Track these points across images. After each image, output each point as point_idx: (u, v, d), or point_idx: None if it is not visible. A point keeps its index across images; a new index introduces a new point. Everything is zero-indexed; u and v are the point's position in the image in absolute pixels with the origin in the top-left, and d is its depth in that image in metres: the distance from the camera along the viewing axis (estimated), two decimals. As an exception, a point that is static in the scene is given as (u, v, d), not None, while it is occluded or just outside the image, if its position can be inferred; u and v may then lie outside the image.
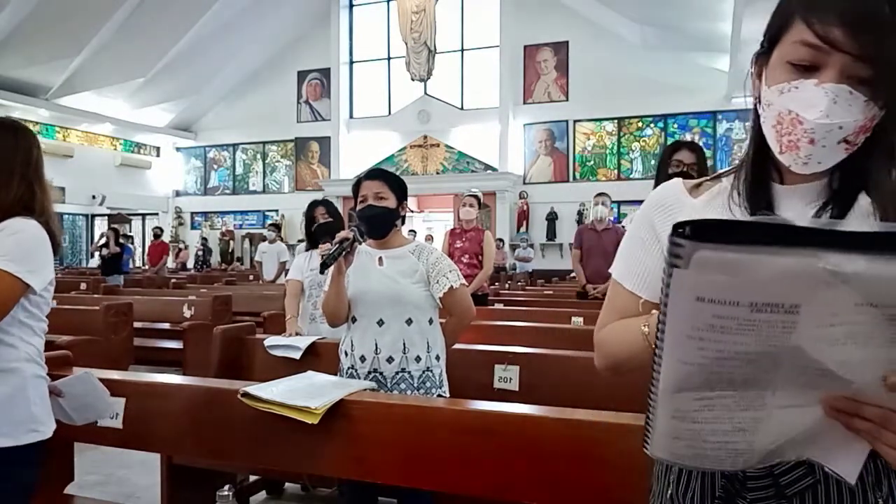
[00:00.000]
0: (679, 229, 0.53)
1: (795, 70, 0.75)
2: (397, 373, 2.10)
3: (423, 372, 2.12)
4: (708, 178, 0.94)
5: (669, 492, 0.89)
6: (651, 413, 0.65)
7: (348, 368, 2.16)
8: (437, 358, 2.18)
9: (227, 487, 1.82)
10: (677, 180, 0.94)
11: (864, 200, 0.79)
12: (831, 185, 0.81)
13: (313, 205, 3.69)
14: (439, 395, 2.15)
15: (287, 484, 3.33)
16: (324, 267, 2.00)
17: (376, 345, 2.10)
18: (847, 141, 0.74)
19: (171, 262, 14.32)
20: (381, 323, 2.11)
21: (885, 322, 0.56)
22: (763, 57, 0.81)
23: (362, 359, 2.12)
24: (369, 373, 2.11)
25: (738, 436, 0.65)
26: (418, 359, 2.12)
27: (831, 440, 0.67)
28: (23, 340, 1.55)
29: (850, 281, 0.53)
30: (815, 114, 0.73)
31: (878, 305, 0.55)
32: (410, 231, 14.10)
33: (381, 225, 2.15)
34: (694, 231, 0.52)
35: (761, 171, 0.85)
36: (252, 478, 3.16)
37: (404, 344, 2.10)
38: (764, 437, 0.66)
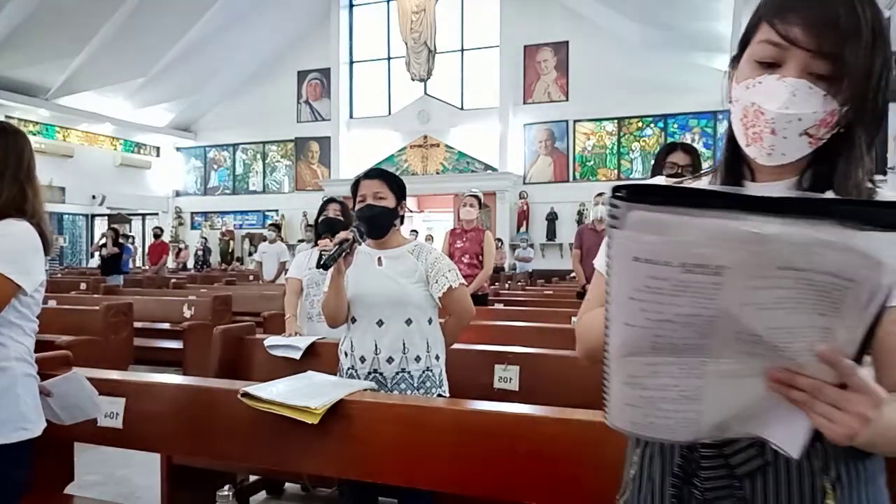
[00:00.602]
0: (617, 192, 0.57)
1: (760, 67, 0.81)
2: (397, 373, 2.10)
3: (423, 372, 2.12)
4: (689, 177, 1.00)
5: (633, 472, 0.94)
6: (606, 381, 0.68)
7: (348, 369, 2.16)
8: (437, 357, 2.18)
9: (227, 487, 1.82)
10: (660, 178, 1.00)
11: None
12: (801, 184, 0.85)
13: (329, 201, 3.60)
14: (439, 395, 2.15)
15: (287, 484, 3.33)
16: (324, 268, 2.00)
17: (376, 345, 2.10)
18: (809, 134, 0.78)
19: (170, 262, 14.31)
20: (380, 323, 2.11)
21: (807, 288, 0.59)
22: (736, 61, 0.87)
23: (362, 359, 2.12)
24: (369, 373, 2.11)
25: (686, 404, 0.68)
26: (418, 359, 2.12)
27: (775, 415, 0.69)
28: (13, 340, 1.56)
29: (769, 242, 0.56)
30: (776, 104, 0.78)
31: (797, 269, 0.58)
32: (412, 231, 14.12)
33: (380, 225, 2.15)
34: (629, 194, 0.56)
35: (735, 170, 0.89)
36: (252, 478, 3.16)
37: (404, 344, 2.10)
38: (710, 407, 0.68)
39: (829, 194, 0.81)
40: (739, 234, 0.56)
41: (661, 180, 0.97)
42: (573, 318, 4.08)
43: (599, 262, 0.99)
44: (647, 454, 0.92)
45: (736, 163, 0.89)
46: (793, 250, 0.57)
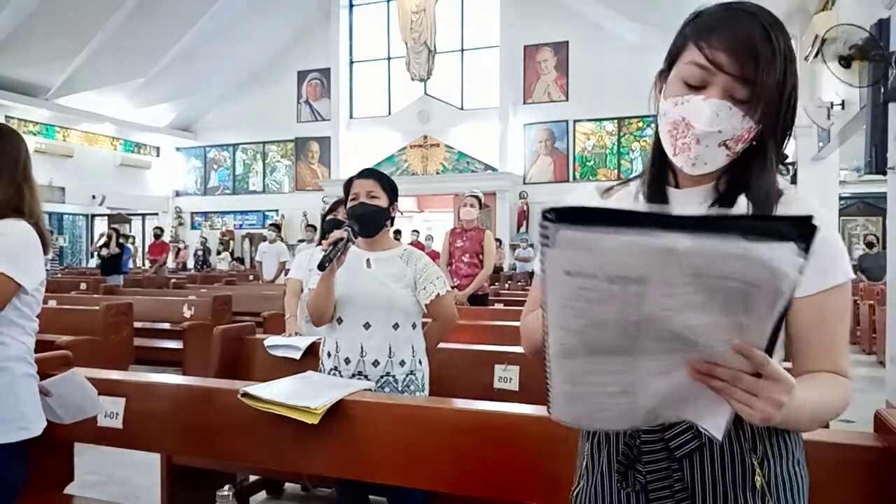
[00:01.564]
0: (547, 214, 0.63)
1: (687, 87, 0.89)
2: (382, 376, 2.09)
3: (407, 375, 2.12)
4: (618, 182, 1.10)
5: (584, 464, 1.01)
6: (549, 379, 0.75)
7: (331, 370, 2.14)
8: (420, 362, 2.18)
9: (227, 487, 1.82)
10: (591, 186, 1.07)
11: (742, 200, 0.92)
12: (718, 189, 0.94)
13: (338, 202, 3.50)
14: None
15: (287, 484, 3.33)
16: (321, 267, 2.00)
17: (362, 347, 2.10)
18: (727, 146, 0.88)
19: (170, 262, 14.29)
20: (367, 326, 2.10)
21: (718, 292, 0.66)
22: (663, 75, 0.96)
23: (347, 361, 2.11)
24: (353, 375, 2.09)
25: (622, 398, 0.76)
26: (403, 363, 2.12)
27: (698, 401, 0.77)
28: (13, 339, 1.57)
29: (682, 255, 0.63)
30: (702, 122, 0.87)
31: (709, 276, 0.65)
32: (413, 231, 14.10)
33: (372, 223, 2.15)
34: (557, 215, 0.63)
35: (659, 176, 0.98)
36: (252, 478, 3.16)
37: (390, 348, 2.10)
38: (644, 399, 0.76)
39: (741, 198, 0.91)
40: (655, 249, 0.63)
41: (588, 191, 1.06)
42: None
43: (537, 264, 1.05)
44: (595, 444, 0.99)
45: (662, 169, 0.98)
46: (703, 262, 0.64)
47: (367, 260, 2.16)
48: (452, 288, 3.98)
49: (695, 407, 0.78)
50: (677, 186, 0.97)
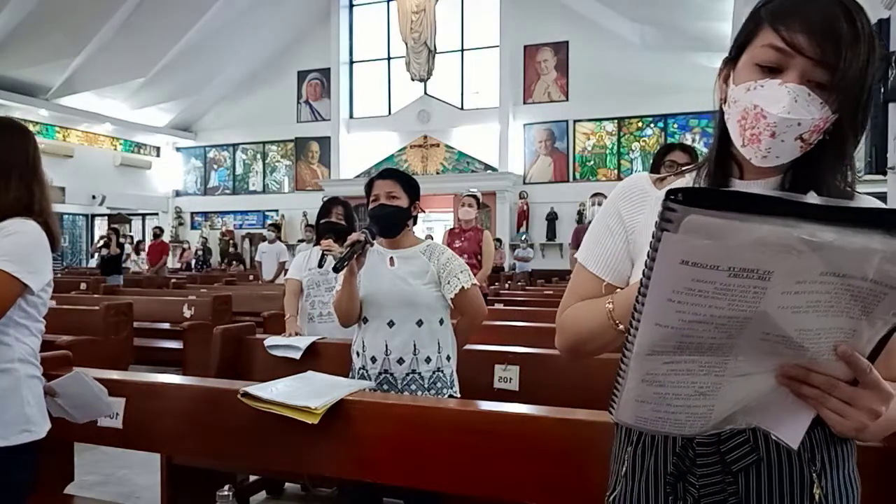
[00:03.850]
0: (671, 196, 0.56)
1: (762, 71, 0.83)
2: (408, 374, 2.10)
3: (434, 373, 2.12)
4: (672, 172, 1.02)
5: (624, 469, 0.95)
6: (621, 377, 0.69)
7: (360, 368, 2.16)
8: (448, 358, 2.17)
9: (227, 487, 1.81)
10: (644, 173, 1.01)
11: (811, 199, 0.87)
12: (784, 184, 0.88)
13: (332, 202, 3.53)
14: (451, 396, 2.15)
15: (287, 484, 3.33)
16: (336, 271, 2.01)
17: (387, 346, 2.10)
18: (802, 139, 0.81)
19: (172, 262, 14.28)
20: (391, 324, 2.11)
21: (844, 292, 0.61)
22: (731, 63, 0.89)
23: (373, 359, 2.13)
24: (380, 373, 2.11)
25: (699, 400, 0.70)
26: (428, 360, 2.12)
27: (779, 408, 0.73)
28: (18, 341, 1.55)
29: (820, 250, 0.57)
30: (778, 109, 0.80)
31: (841, 275, 0.60)
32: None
33: (393, 224, 2.15)
34: (686, 197, 0.56)
35: (723, 167, 0.91)
36: (252, 478, 3.16)
37: (415, 345, 2.10)
38: (722, 403, 0.71)
39: (812, 195, 0.83)
40: (793, 241, 0.57)
41: (641, 179, 1.00)
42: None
43: (582, 254, 1.02)
44: (640, 451, 0.93)
45: (725, 160, 0.91)
46: (844, 258, 0.58)
47: (391, 258, 2.17)
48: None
49: (773, 414, 0.73)
50: (741, 178, 0.90)
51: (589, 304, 0.96)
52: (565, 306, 1.02)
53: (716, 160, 0.92)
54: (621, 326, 0.86)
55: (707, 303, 0.61)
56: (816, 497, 0.84)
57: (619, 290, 0.93)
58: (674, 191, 0.56)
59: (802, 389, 0.70)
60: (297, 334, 3.11)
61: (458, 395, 2.19)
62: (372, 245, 2.08)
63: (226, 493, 1.83)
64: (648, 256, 0.60)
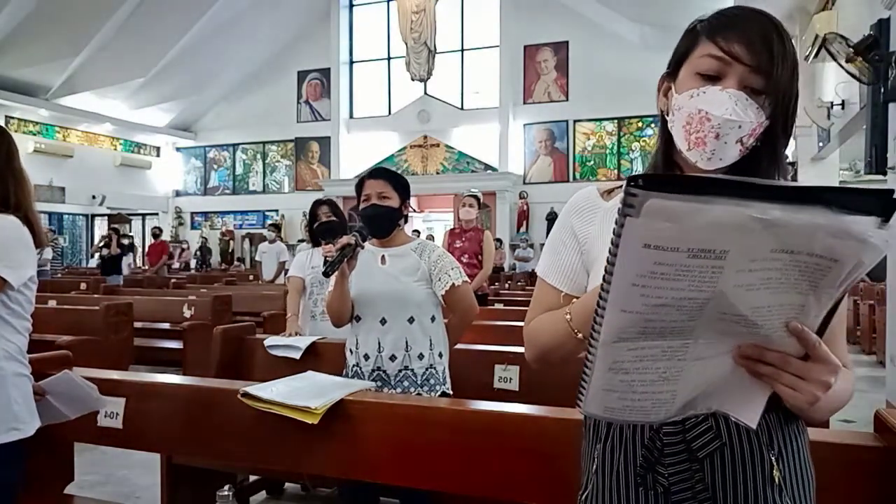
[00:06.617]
0: (632, 182, 0.59)
1: (702, 79, 0.89)
2: (400, 371, 2.11)
3: (427, 369, 2.13)
4: (619, 184, 1.06)
5: (595, 466, 0.98)
6: (588, 369, 0.71)
7: (353, 366, 2.17)
8: (440, 355, 2.18)
9: (227, 487, 1.82)
10: (592, 187, 1.06)
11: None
12: None
13: (317, 204, 3.62)
14: (443, 392, 2.16)
15: (287, 484, 3.33)
16: (326, 274, 2.01)
17: (379, 343, 2.12)
18: (742, 142, 0.87)
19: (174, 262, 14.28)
20: (383, 322, 2.12)
21: (793, 268, 0.64)
22: (669, 77, 0.95)
23: (366, 357, 2.14)
24: (373, 371, 2.12)
25: (663, 385, 0.73)
26: (421, 356, 2.13)
27: (736, 389, 0.76)
28: (3, 338, 1.54)
29: (770, 227, 0.61)
30: (722, 111, 0.86)
31: (790, 251, 0.63)
32: (414, 231, 14.08)
33: (384, 224, 2.16)
34: (646, 182, 0.59)
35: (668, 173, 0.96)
36: (252, 478, 3.16)
37: (407, 342, 2.11)
38: (684, 388, 0.74)
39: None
40: (745, 219, 0.60)
41: (589, 192, 1.05)
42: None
43: (541, 268, 1.07)
44: (609, 447, 0.96)
45: (669, 168, 0.97)
46: (792, 233, 0.62)
47: (382, 257, 2.18)
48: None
49: (731, 397, 0.77)
50: None
51: (550, 316, 1.00)
52: (530, 318, 1.06)
53: (662, 167, 0.97)
54: (580, 335, 0.90)
55: (669, 285, 0.64)
56: (776, 480, 0.89)
57: (576, 299, 0.97)
58: (634, 177, 0.59)
59: (758, 367, 0.73)
60: (297, 334, 3.12)
61: (451, 392, 2.19)
62: (363, 248, 2.10)
63: (226, 493, 1.83)
64: (612, 243, 0.63)
